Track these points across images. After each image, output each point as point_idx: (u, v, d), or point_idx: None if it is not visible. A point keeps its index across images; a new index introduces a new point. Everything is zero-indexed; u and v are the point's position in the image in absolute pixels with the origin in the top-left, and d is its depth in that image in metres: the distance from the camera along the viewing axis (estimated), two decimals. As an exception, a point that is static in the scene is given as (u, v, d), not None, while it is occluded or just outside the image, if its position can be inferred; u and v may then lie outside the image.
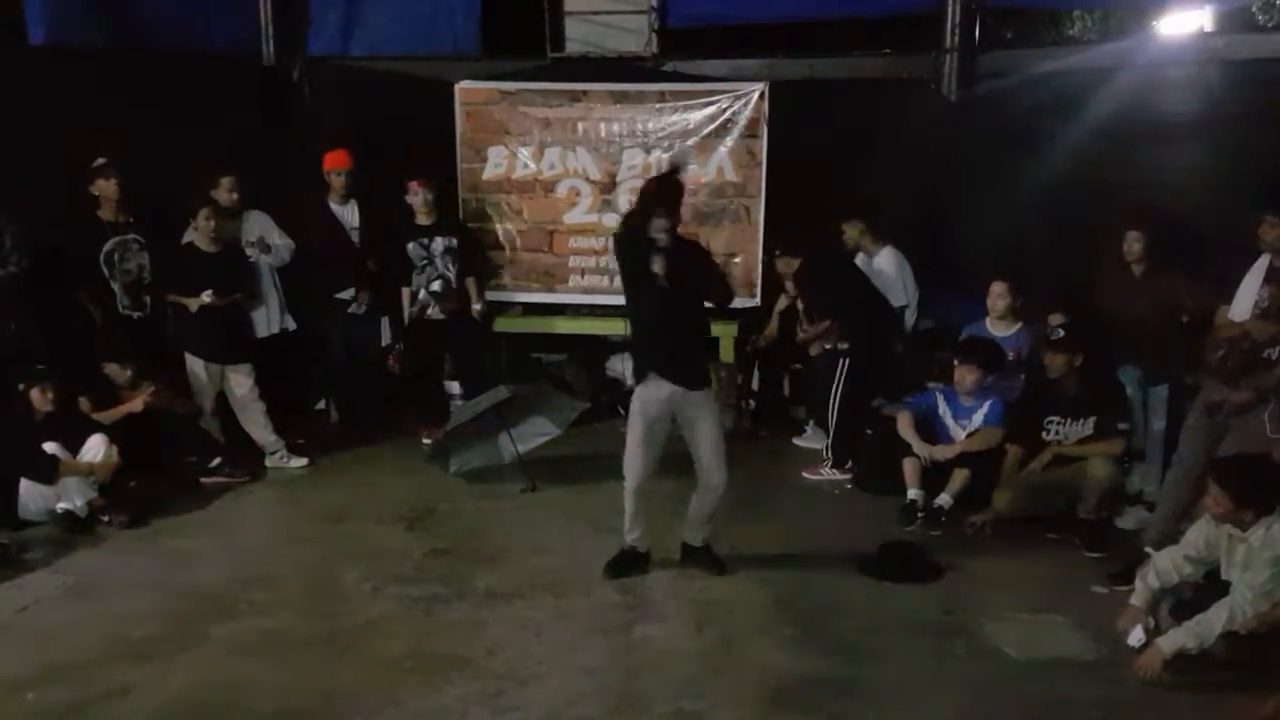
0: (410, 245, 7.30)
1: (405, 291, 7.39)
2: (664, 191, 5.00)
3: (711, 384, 5.37)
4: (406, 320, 7.42)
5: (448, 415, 7.05)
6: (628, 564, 5.29)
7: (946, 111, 7.83)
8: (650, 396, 5.07)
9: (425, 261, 7.34)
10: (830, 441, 6.85)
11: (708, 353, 5.60)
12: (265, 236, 7.09)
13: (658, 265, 4.86)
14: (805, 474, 6.81)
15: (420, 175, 7.26)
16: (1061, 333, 5.89)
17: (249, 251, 7.02)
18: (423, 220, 7.32)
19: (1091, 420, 5.78)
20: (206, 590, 5.11)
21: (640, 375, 5.16)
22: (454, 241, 7.39)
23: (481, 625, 4.75)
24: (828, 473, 6.80)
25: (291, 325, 7.20)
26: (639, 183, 7.73)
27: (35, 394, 5.86)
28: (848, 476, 6.73)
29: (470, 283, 7.52)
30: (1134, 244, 6.00)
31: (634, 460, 5.13)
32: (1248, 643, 4.05)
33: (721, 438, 5.18)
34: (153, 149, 6.69)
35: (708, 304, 5.26)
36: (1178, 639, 4.13)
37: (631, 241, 5.02)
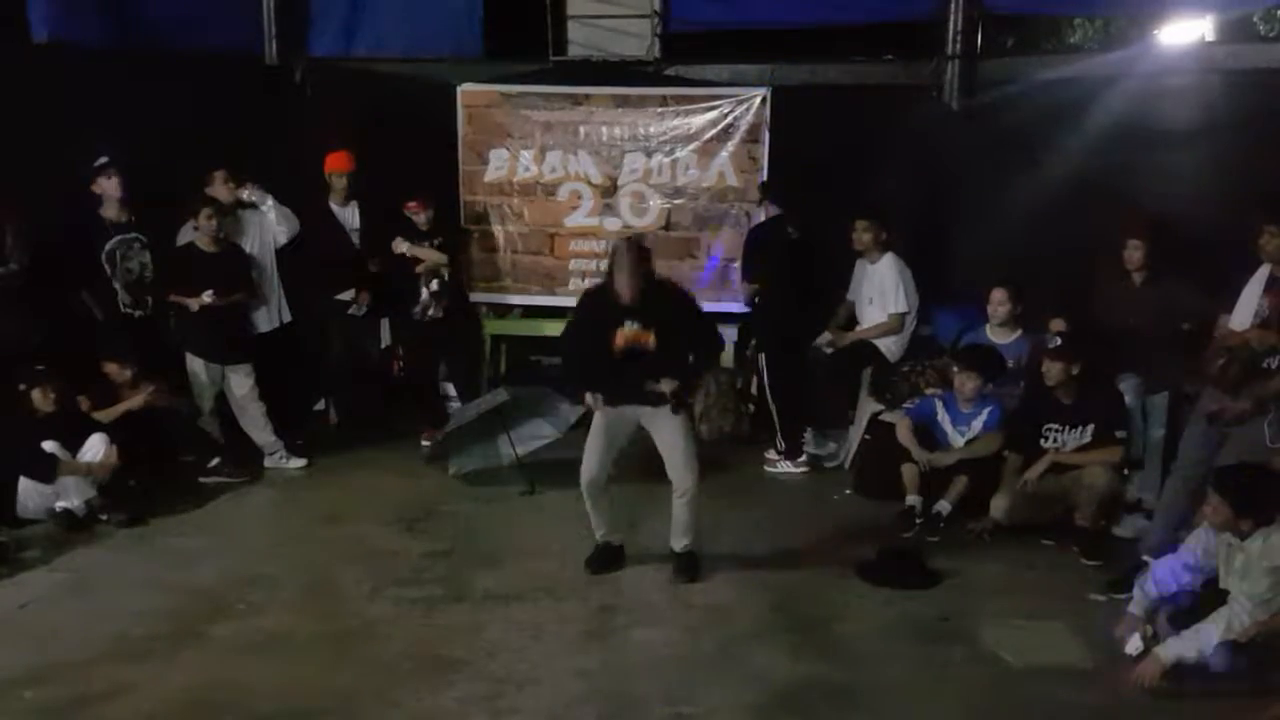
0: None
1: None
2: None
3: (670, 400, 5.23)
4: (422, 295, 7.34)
5: (446, 417, 7.06)
6: (605, 559, 5.38)
7: (948, 118, 7.84)
8: (610, 416, 5.20)
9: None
10: (779, 435, 7.02)
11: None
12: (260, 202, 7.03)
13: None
14: (766, 467, 7.02)
15: (418, 196, 7.27)
16: (1059, 340, 5.91)
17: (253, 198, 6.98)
18: (421, 227, 7.34)
19: (1090, 428, 5.77)
20: (205, 590, 5.11)
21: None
22: (441, 240, 7.42)
23: (480, 627, 4.75)
24: (783, 465, 7.00)
25: (288, 317, 7.19)
26: (640, 186, 7.86)
27: (37, 394, 5.86)
28: (803, 470, 6.97)
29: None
30: (1134, 252, 6.00)
31: (588, 457, 5.21)
32: (1246, 651, 4.06)
33: (688, 444, 5.20)
34: (155, 148, 6.70)
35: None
36: (1176, 647, 4.13)
37: (598, 306, 5.13)
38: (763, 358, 7.11)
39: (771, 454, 7.06)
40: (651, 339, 5.00)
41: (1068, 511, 5.70)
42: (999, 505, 5.73)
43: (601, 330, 5.04)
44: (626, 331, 5.00)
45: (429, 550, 5.64)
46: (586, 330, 5.22)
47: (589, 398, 5.19)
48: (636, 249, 5.06)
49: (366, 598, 5.06)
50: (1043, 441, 5.85)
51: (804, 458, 7.04)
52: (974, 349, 6.36)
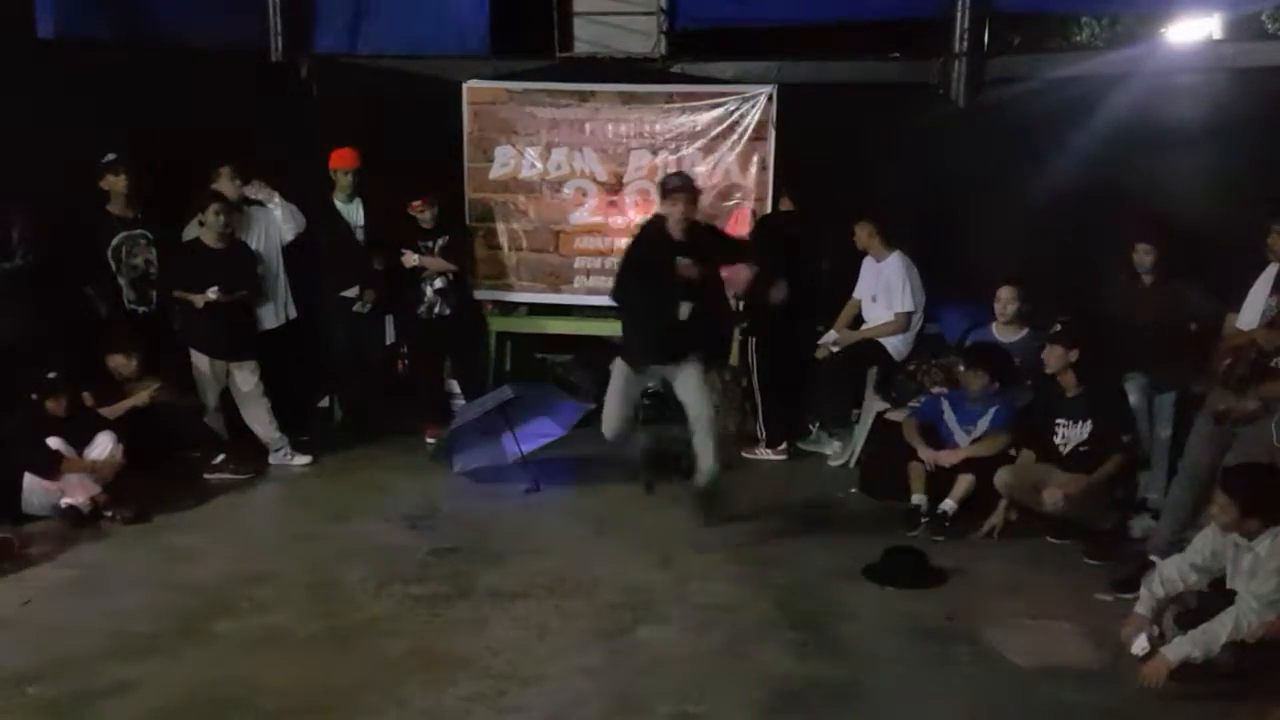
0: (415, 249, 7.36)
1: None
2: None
3: (699, 352, 5.76)
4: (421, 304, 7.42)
5: (451, 414, 7.06)
6: (655, 463, 5.96)
7: (954, 116, 7.82)
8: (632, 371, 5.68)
9: None
10: (761, 422, 7.18)
11: (708, 330, 5.99)
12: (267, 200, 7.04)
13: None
14: (743, 453, 7.12)
15: (423, 193, 7.30)
16: (1060, 327, 5.91)
17: (259, 195, 6.98)
18: (426, 226, 7.38)
19: (1088, 424, 5.74)
20: (209, 587, 5.11)
21: (627, 359, 5.67)
22: (448, 239, 7.45)
23: (484, 625, 4.74)
24: (762, 452, 7.15)
25: (294, 313, 7.19)
26: (645, 184, 7.85)
27: (50, 405, 5.86)
28: (783, 456, 7.12)
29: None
30: (1144, 256, 6.00)
31: (611, 410, 5.76)
32: (1253, 652, 4.04)
33: (704, 385, 5.70)
34: (160, 144, 6.70)
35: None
36: (1183, 648, 4.11)
37: (653, 244, 5.54)
38: (753, 343, 7.24)
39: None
40: (697, 271, 5.50)
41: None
42: (1053, 496, 5.54)
43: (658, 263, 5.49)
44: (681, 265, 5.45)
45: (433, 547, 5.63)
46: (642, 264, 5.62)
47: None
48: (692, 192, 5.61)
49: (371, 595, 5.05)
50: (1054, 437, 5.81)
51: (784, 445, 7.17)
52: (980, 347, 6.35)
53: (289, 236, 7.07)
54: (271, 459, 6.92)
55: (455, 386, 7.76)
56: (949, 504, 5.88)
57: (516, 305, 8.27)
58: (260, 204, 7.03)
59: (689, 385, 5.66)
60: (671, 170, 7.80)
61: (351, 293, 7.39)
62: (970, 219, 7.42)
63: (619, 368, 5.77)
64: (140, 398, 6.32)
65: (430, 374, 7.69)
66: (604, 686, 4.23)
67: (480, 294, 8.07)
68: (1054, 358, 5.78)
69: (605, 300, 7.87)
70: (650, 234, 5.73)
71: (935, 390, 6.54)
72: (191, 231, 6.84)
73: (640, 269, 5.67)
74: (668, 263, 5.49)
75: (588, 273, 8.06)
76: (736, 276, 7.42)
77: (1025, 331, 6.44)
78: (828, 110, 7.58)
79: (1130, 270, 6.07)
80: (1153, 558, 4.92)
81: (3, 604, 4.91)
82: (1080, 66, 7.63)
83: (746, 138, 7.75)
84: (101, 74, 6.72)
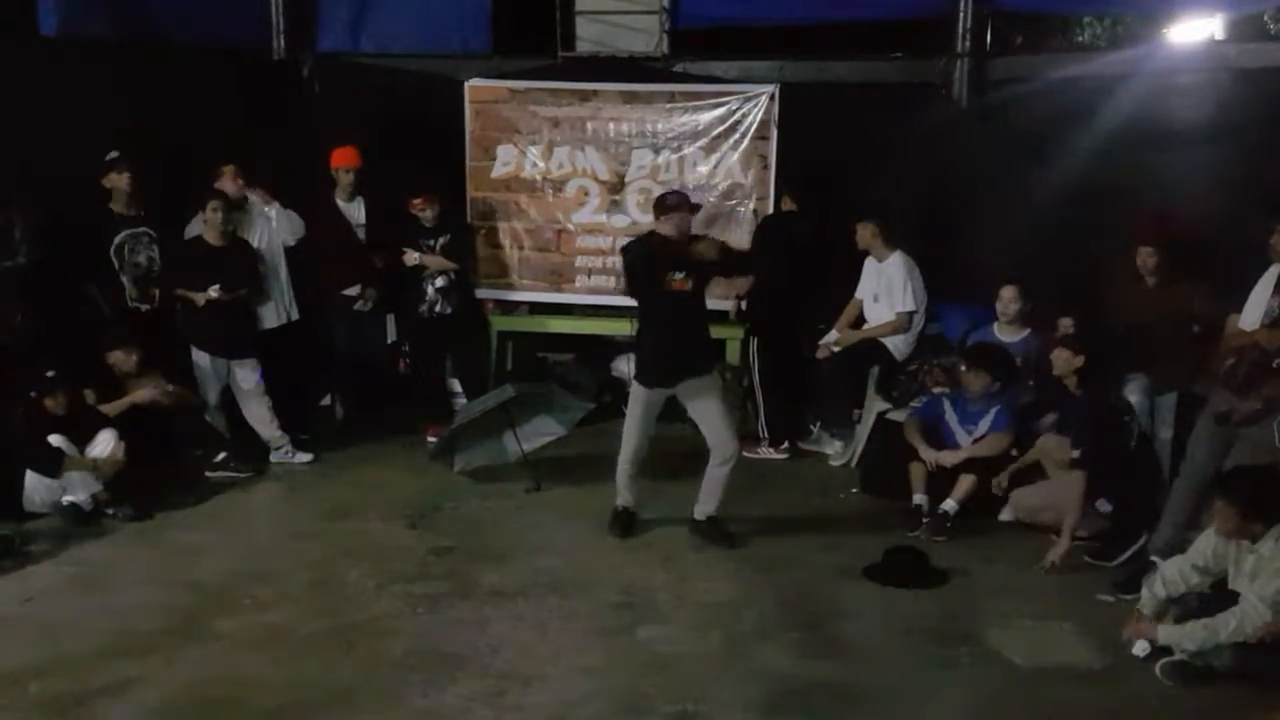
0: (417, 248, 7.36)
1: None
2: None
3: (714, 367, 5.83)
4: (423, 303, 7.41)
5: (452, 413, 7.06)
6: (629, 523, 5.76)
7: (956, 116, 7.82)
8: (652, 394, 5.57)
9: None
10: (763, 421, 7.22)
11: (711, 345, 5.99)
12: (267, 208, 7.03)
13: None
14: (745, 453, 6.91)
15: (424, 191, 7.30)
16: (1072, 329, 5.86)
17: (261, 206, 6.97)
18: (427, 224, 7.37)
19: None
20: (210, 584, 5.11)
21: (643, 380, 5.59)
22: (449, 238, 7.44)
23: (485, 624, 4.74)
24: (765, 451, 7.16)
25: (295, 314, 7.19)
26: (647, 183, 7.84)
27: (49, 403, 5.86)
28: (785, 456, 7.13)
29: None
30: (1147, 258, 6.00)
31: (632, 435, 5.64)
32: (1255, 652, 4.04)
33: (727, 411, 5.65)
34: (163, 143, 6.70)
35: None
36: (1177, 634, 4.15)
37: (648, 258, 5.49)
38: (754, 343, 7.26)
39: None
40: (689, 285, 5.48)
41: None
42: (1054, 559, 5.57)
43: (652, 276, 5.47)
44: (676, 279, 5.44)
45: (434, 546, 5.63)
46: (642, 280, 5.57)
47: None
48: (691, 207, 5.57)
49: (371, 593, 5.05)
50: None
51: (786, 444, 7.20)
52: (982, 347, 6.35)
53: (290, 242, 7.07)
54: (273, 457, 6.92)
55: (456, 385, 7.75)
56: (950, 504, 5.87)
57: (518, 304, 8.26)
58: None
59: (709, 407, 5.55)
60: (672, 168, 7.85)
61: (353, 291, 7.39)
62: (972, 219, 7.43)
63: (637, 395, 5.62)
64: (141, 395, 6.32)
65: (431, 373, 7.69)
66: (605, 685, 4.24)
67: (482, 293, 8.07)
68: (1061, 361, 5.76)
69: (607, 299, 7.96)
70: (648, 249, 5.54)
71: (937, 390, 6.53)
72: (194, 229, 6.83)
73: (646, 287, 5.57)
74: (662, 274, 5.46)
75: (589, 272, 8.05)
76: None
77: (1027, 331, 6.44)
78: (830, 110, 7.59)
79: (1133, 271, 6.07)
80: (1154, 558, 4.92)
81: (4, 602, 4.92)
82: (1082, 67, 7.63)
83: (749, 137, 7.74)
84: (104, 72, 6.72)
